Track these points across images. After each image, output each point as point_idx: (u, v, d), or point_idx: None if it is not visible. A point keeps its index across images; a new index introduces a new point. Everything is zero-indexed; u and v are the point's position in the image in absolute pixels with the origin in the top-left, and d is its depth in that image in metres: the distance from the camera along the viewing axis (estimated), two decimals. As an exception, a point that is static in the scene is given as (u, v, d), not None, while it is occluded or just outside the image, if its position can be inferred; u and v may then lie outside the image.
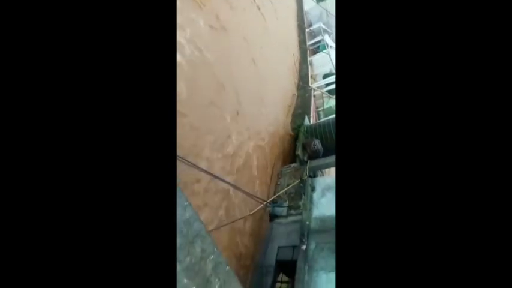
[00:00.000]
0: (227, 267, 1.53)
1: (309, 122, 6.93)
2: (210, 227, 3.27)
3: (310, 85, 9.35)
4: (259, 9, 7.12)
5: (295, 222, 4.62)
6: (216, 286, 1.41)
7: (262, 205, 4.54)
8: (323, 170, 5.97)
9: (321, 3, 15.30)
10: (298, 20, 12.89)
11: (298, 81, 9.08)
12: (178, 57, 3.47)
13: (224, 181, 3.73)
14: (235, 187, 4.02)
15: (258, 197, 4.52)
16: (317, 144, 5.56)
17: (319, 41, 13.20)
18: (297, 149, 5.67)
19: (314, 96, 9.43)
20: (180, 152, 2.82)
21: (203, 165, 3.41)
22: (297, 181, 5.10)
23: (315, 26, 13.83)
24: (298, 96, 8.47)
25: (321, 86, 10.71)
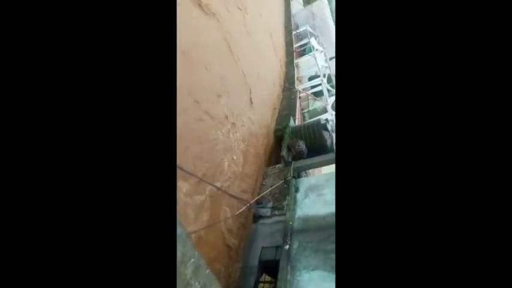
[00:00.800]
0: (207, 271, 1.55)
1: (294, 123, 7.04)
2: (194, 228, 3.26)
3: (296, 87, 9.49)
4: (246, 11, 7.16)
5: (278, 222, 4.68)
6: (196, 289, 1.43)
7: (246, 206, 4.57)
8: (307, 171, 6.09)
9: (308, 7, 15.56)
10: (285, 22, 13.04)
11: (284, 82, 9.19)
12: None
13: (210, 184, 3.72)
14: (221, 190, 4.01)
15: (242, 199, 4.54)
16: (301, 145, 5.67)
17: (305, 44, 13.43)
18: (282, 150, 5.75)
19: (300, 97, 9.58)
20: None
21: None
22: (281, 181, 5.17)
23: (301, 29, 14.05)
24: (284, 98, 8.57)
25: (307, 88, 10.89)
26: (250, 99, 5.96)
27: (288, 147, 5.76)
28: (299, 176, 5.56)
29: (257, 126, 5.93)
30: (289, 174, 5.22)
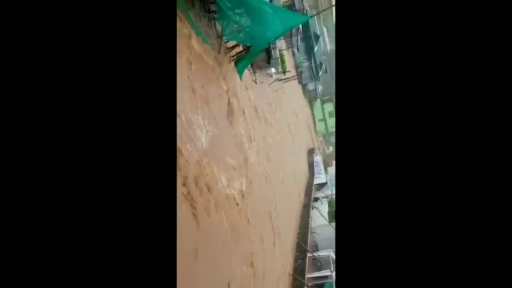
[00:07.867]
0: None
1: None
2: None
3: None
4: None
5: None
6: None
7: None
8: None
9: (332, 223, 12.98)
10: (300, 240, 9.63)
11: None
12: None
13: None
14: None
15: None
16: None
17: (325, 277, 9.17)
18: None
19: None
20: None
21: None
22: None
23: (323, 253, 10.41)
24: None
25: None
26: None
27: None
28: None
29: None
30: None
